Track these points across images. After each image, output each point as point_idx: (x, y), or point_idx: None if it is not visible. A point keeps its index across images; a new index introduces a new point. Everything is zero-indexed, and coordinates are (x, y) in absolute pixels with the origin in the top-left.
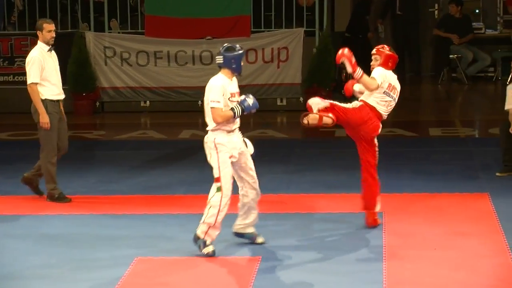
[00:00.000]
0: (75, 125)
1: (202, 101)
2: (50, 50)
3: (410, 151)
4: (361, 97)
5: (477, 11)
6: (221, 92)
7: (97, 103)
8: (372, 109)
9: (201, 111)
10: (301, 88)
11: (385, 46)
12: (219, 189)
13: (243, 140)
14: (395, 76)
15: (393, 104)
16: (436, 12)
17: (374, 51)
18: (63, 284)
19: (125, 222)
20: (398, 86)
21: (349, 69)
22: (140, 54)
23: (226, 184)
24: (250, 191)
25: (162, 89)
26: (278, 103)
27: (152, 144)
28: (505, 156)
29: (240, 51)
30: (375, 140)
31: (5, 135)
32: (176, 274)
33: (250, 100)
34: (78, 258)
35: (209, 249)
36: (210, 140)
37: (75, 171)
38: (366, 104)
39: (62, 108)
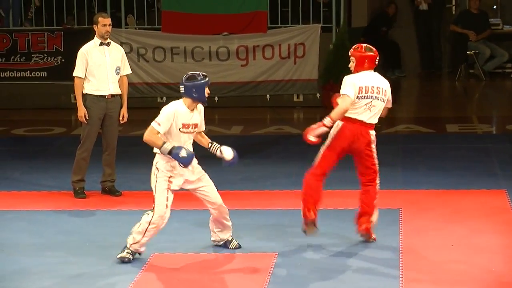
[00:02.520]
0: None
1: (219, 97)
2: (104, 44)
3: (427, 147)
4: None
5: (494, 7)
6: (170, 118)
7: None
8: (354, 121)
9: (217, 107)
10: (317, 84)
11: (361, 45)
12: (152, 210)
13: (217, 149)
14: (372, 74)
15: (378, 103)
16: (453, 8)
17: (350, 52)
18: (79, 280)
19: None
20: (376, 83)
21: (323, 130)
22: (156, 50)
23: (160, 205)
24: (212, 211)
25: (179, 85)
26: (295, 99)
27: None
28: None
29: (202, 80)
30: (373, 148)
31: (22, 131)
32: (192, 270)
33: (184, 154)
34: (95, 254)
35: (126, 255)
36: (154, 163)
37: (91, 167)
38: (346, 121)
39: (117, 105)
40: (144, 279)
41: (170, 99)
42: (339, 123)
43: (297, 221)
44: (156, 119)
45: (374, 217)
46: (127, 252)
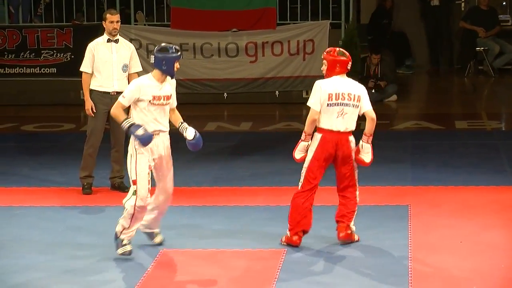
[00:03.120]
0: None
1: (228, 94)
2: (112, 41)
3: (436, 144)
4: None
5: (504, 3)
6: (134, 91)
7: None
8: (331, 132)
9: (226, 103)
10: None
11: (334, 49)
12: (134, 192)
13: (184, 129)
14: (343, 79)
15: (350, 110)
16: (462, 4)
17: (322, 55)
18: (87, 275)
19: None
20: (348, 89)
21: (303, 145)
22: None
23: (142, 188)
24: (160, 197)
25: (188, 81)
26: (304, 95)
27: (177, 137)
28: None
29: (174, 54)
30: (353, 156)
31: (31, 127)
32: (201, 267)
33: (141, 132)
34: (103, 251)
35: (125, 249)
36: (131, 141)
37: (100, 163)
38: (322, 133)
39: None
40: (153, 276)
41: (178, 95)
42: (318, 135)
43: None
44: (123, 93)
45: (352, 224)
46: (123, 245)
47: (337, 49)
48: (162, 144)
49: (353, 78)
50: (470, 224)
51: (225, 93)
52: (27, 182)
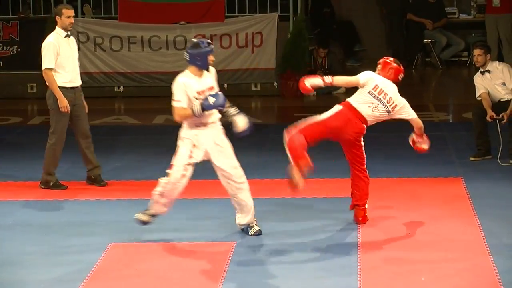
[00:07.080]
0: (48, 110)
1: None
2: (67, 36)
3: (383, 136)
4: (347, 99)
5: None
6: (182, 90)
7: None
8: (352, 109)
9: None
10: (275, 73)
11: (392, 59)
12: (167, 174)
13: (234, 119)
14: (392, 86)
15: (382, 109)
16: None
17: (380, 60)
18: (36, 270)
19: (98, 207)
20: (390, 93)
21: (318, 83)
22: (113, 39)
23: (175, 174)
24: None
25: (136, 74)
26: (252, 88)
27: (126, 130)
28: (478, 140)
29: (206, 48)
30: (361, 139)
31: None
32: (150, 260)
33: (212, 99)
34: (51, 244)
35: (142, 216)
36: (180, 133)
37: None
38: (346, 106)
39: (81, 95)
40: (101, 269)
41: (127, 88)
42: (338, 106)
43: (256, 210)
44: (173, 97)
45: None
46: (144, 214)
47: (392, 59)
48: (215, 134)
49: (302, 71)
50: (418, 216)
51: None
52: None
